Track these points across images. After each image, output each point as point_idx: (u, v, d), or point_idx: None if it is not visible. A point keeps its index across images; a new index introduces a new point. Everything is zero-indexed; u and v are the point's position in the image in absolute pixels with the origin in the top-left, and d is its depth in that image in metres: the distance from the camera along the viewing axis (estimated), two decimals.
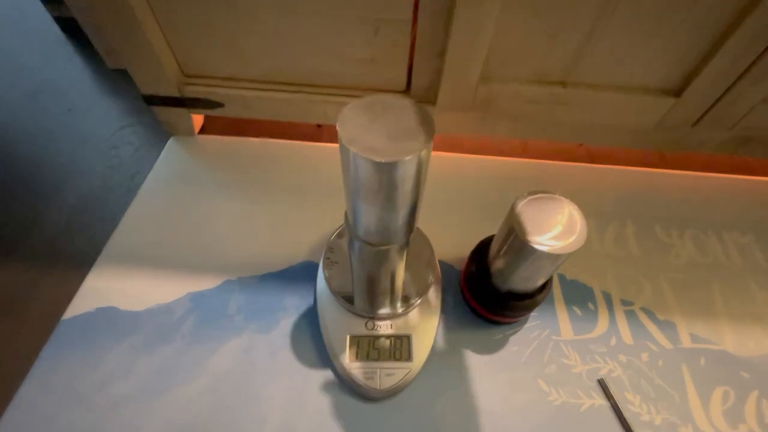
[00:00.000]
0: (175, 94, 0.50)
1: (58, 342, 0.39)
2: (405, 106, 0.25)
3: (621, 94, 0.45)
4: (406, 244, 0.34)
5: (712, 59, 0.41)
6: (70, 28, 0.71)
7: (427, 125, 0.24)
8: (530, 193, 0.33)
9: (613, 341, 0.41)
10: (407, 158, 0.23)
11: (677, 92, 0.45)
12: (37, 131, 0.57)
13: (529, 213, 0.32)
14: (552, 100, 0.46)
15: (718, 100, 0.45)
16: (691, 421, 0.37)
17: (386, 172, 0.23)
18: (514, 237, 0.32)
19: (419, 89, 0.48)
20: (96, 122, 0.59)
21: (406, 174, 0.24)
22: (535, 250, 0.30)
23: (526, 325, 0.42)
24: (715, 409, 0.38)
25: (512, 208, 0.33)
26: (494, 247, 0.37)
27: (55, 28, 0.71)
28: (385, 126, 0.24)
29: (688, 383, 0.39)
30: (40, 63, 0.67)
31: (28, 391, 0.36)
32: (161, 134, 0.57)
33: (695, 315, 0.43)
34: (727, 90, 0.44)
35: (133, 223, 0.48)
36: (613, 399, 0.37)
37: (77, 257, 0.45)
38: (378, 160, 0.22)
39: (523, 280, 0.35)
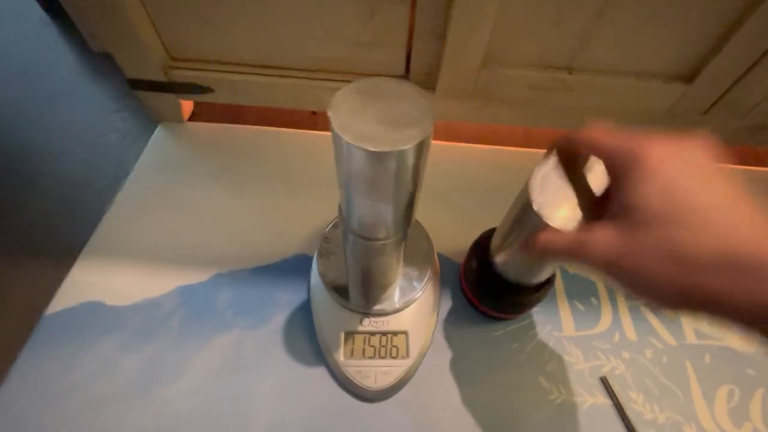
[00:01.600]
0: (162, 78, 0.48)
1: (41, 339, 0.37)
2: (403, 90, 0.23)
3: (629, 80, 0.43)
4: (404, 238, 0.32)
5: (726, 43, 0.39)
6: (53, 8, 0.67)
7: (427, 111, 0.22)
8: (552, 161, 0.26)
9: (617, 337, 0.40)
10: (405, 147, 0.21)
11: (689, 78, 0.43)
12: (17, 117, 0.54)
13: (550, 184, 0.26)
14: (557, 86, 0.44)
15: (732, 86, 0.43)
16: (695, 420, 0.36)
17: (382, 162, 0.21)
18: (530, 215, 0.26)
19: (418, 74, 0.45)
20: (81, 108, 0.56)
21: (404, 164, 0.22)
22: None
23: (527, 321, 0.40)
24: (719, 407, 0.37)
25: (530, 179, 0.27)
26: (501, 230, 0.34)
27: (37, 8, 0.68)
28: (381, 112, 0.22)
29: (693, 381, 0.38)
30: (21, 45, 0.64)
31: (9, 391, 0.35)
32: (149, 121, 0.55)
33: None
34: (742, 76, 0.42)
35: (121, 214, 0.46)
36: (616, 397, 0.36)
37: (61, 249, 0.43)
38: (373, 149, 0.20)
39: (535, 270, 0.33)
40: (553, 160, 0.26)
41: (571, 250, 0.22)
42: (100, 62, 0.62)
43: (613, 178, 0.22)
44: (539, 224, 0.26)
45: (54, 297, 0.40)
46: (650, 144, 0.20)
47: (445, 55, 0.42)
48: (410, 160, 0.22)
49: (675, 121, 0.48)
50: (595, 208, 0.25)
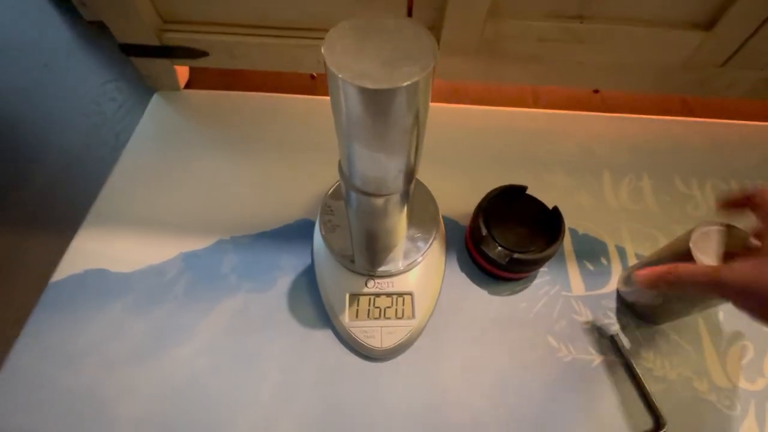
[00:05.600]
0: (154, 42, 0.46)
1: (47, 305, 0.37)
2: (402, 26, 0.21)
3: (644, 29, 0.40)
4: (407, 194, 0.31)
5: None
6: None
7: (428, 47, 0.21)
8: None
9: None
10: (404, 84, 0.19)
11: (707, 25, 0.40)
12: (10, 89, 0.53)
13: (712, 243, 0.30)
14: (567, 38, 0.42)
15: (753, 34, 0.40)
16: (707, 375, 0.35)
17: (381, 101, 0.20)
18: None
19: None
20: (75, 78, 0.55)
21: (404, 104, 0.21)
22: None
23: (535, 281, 0.40)
24: (732, 363, 0.36)
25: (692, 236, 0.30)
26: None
27: None
28: (379, 49, 0.21)
29: (705, 338, 0.37)
30: (9, 16, 0.62)
31: (20, 355, 0.35)
32: (145, 90, 0.53)
33: None
34: (764, 22, 0.39)
35: (120, 183, 0.45)
36: (626, 355, 0.36)
37: (62, 219, 0.43)
38: (371, 86, 0.19)
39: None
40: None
41: (707, 277, 0.24)
42: (93, 31, 0.60)
43: None
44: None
45: (58, 265, 0.39)
46: None
47: (449, 6, 0.40)
48: (411, 99, 0.21)
49: (690, 74, 0.46)
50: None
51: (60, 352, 0.35)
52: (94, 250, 0.40)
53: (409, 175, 0.28)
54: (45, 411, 0.33)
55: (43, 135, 0.49)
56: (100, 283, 0.38)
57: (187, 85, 0.54)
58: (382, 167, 0.26)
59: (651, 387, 0.34)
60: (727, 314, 0.38)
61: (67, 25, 0.61)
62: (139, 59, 0.49)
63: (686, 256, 0.30)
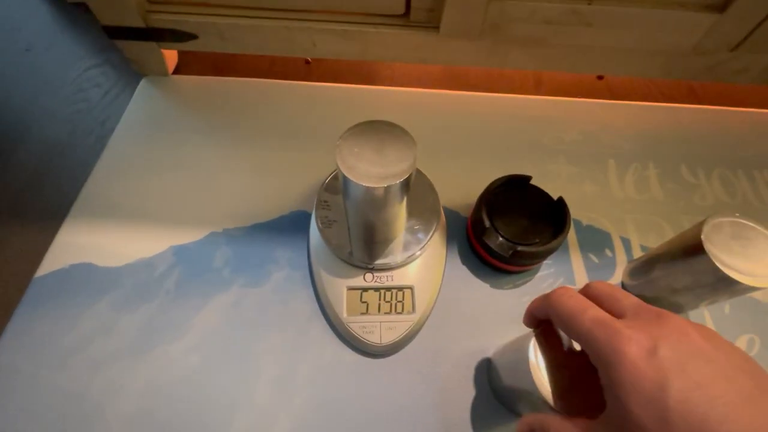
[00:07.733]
0: (140, 24, 0.44)
1: (32, 302, 0.36)
2: None
3: (655, 10, 0.39)
4: (407, 183, 0.29)
5: None
6: None
7: None
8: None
9: None
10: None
11: (720, 7, 0.39)
12: None
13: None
14: (574, 21, 0.40)
15: None
16: None
17: None
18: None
19: (420, 11, 0.41)
20: (58, 62, 0.52)
21: None
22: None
23: (538, 274, 0.39)
24: None
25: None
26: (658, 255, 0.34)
27: None
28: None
29: None
30: None
31: (4, 354, 0.34)
32: (132, 75, 0.51)
33: None
34: None
35: (107, 173, 0.44)
36: None
37: (46, 211, 0.41)
38: None
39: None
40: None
41: None
42: (76, 13, 0.57)
43: (596, 366, 0.20)
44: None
45: (43, 259, 0.38)
46: (628, 337, 0.19)
47: None
48: None
49: (700, 59, 0.44)
50: (574, 393, 0.23)
51: (46, 350, 0.34)
52: (79, 243, 0.39)
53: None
54: (31, 412, 0.32)
55: (25, 122, 0.47)
56: (87, 278, 0.37)
57: (176, 71, 0.52)
58: None
59: None
60: (734, 308, 0.37)
61: (49, 6, 0.58)
62: (125, 42, 0.46)
63: (698, 249, 0.29)
